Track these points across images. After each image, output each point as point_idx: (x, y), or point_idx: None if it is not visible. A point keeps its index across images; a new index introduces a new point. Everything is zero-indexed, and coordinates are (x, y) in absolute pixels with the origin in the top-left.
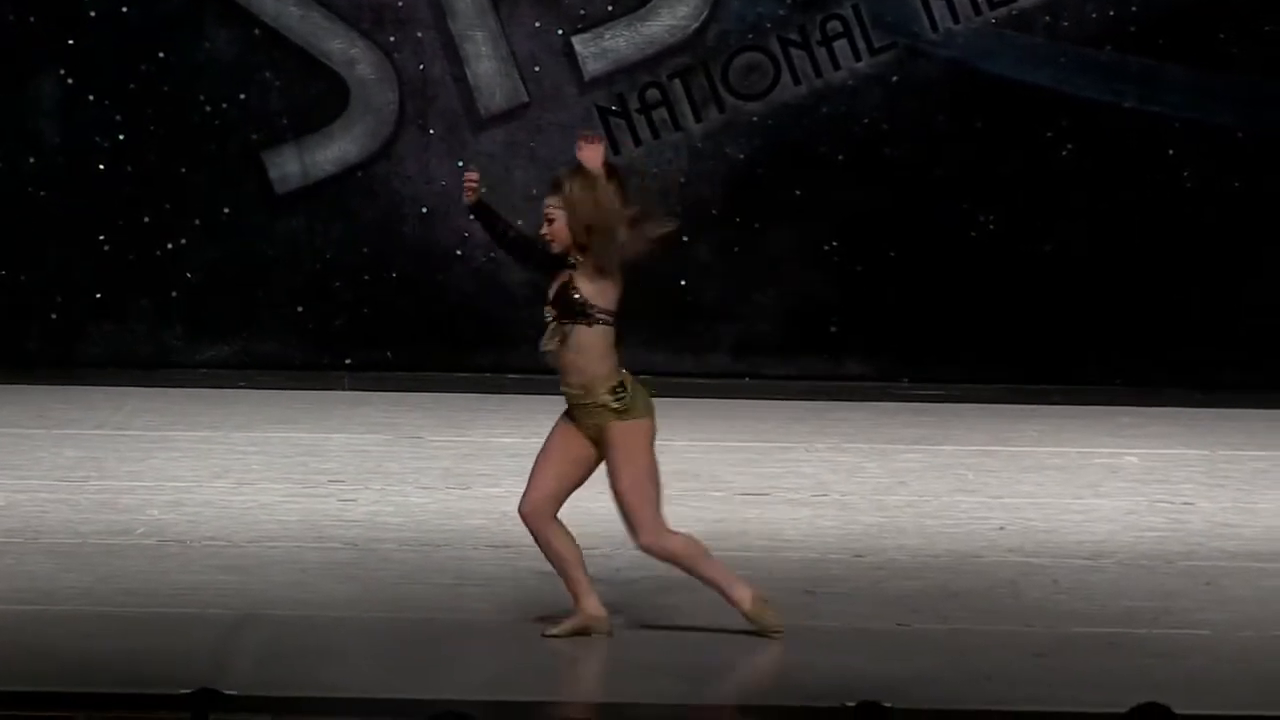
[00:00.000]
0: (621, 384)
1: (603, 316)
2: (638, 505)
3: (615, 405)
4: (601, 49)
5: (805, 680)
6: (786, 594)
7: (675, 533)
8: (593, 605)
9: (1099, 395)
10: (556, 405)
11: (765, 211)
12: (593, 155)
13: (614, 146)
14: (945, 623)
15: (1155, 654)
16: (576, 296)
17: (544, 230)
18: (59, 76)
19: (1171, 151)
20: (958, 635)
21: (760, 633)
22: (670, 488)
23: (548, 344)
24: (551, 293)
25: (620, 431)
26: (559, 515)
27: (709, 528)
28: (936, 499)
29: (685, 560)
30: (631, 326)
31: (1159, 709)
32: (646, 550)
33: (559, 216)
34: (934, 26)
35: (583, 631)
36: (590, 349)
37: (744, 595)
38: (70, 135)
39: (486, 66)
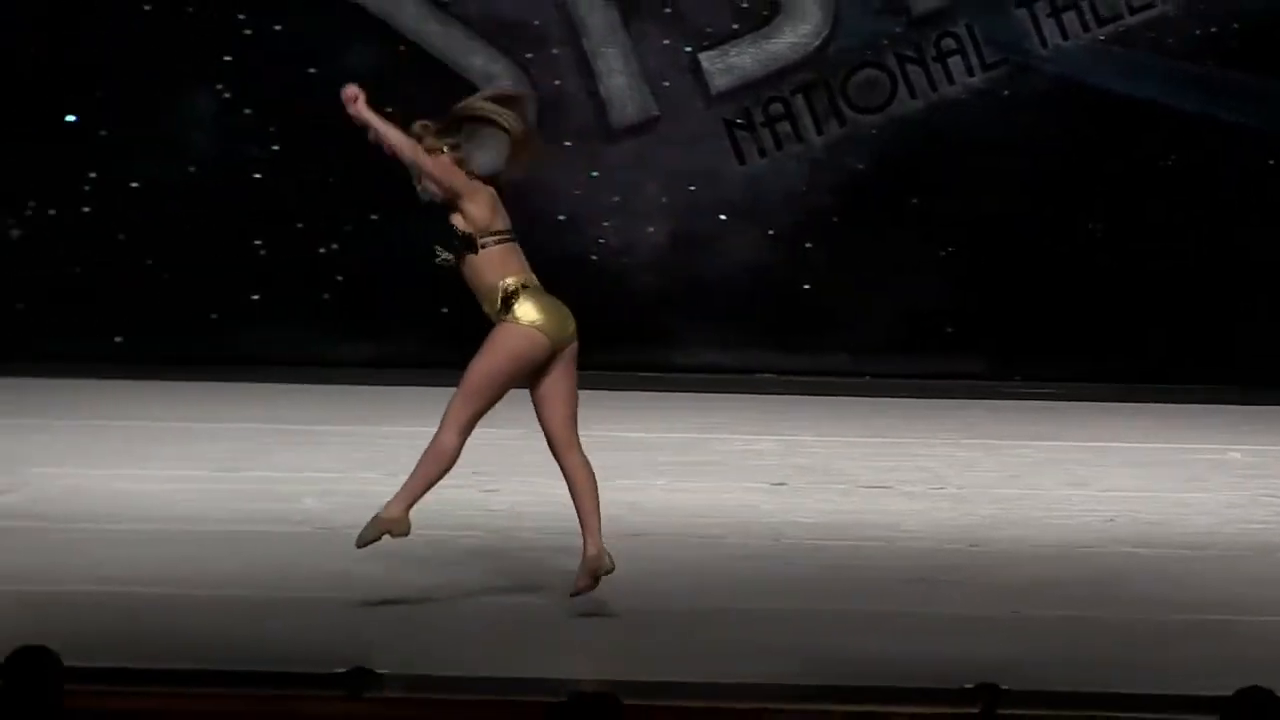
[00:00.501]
0: (509, 292)
1: (484, 240)
2: (457, 399)
3: (499, 310)
4: (727, 65)
5: (921, 663)
6: (904, 582)
7: (456, 439)
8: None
9: (1202, 394)
10: (680, 402)
11: (882, 219)
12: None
13: (739, 157)
14: (1057, 609)
15: (1258, 640)
16: (459, 232)
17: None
18: (215, 91)
19: (1272, 162)
20: (1069, 622)
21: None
22: (795, 480)
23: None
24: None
25: (494, 330)
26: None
27: (831, 519)
28: (1048, 492)
29: (428, 463)
30: (755, 326)
31: (1262, 693)
32: (444, 416)
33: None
34: (1043, 43)
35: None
36: (480, 268)
37: (399, 514)
38: (226, 146)
39: (618, 82)
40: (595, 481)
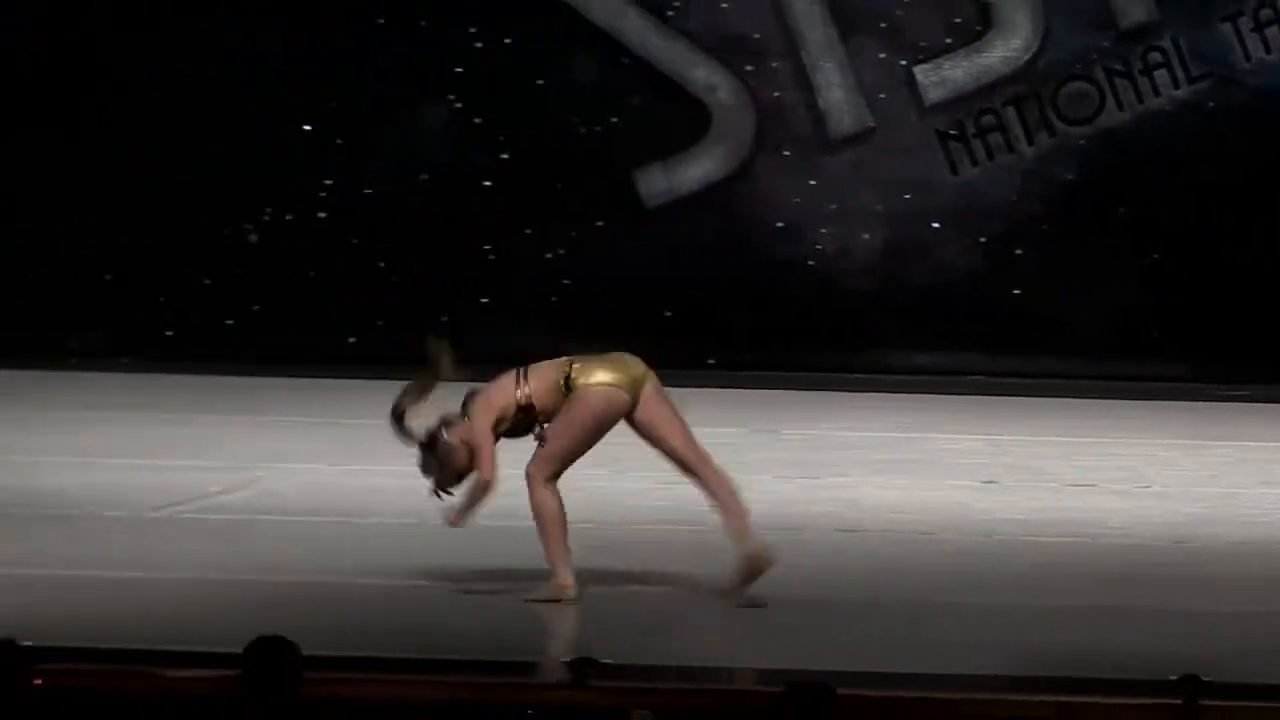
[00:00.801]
0: (568, 377)
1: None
2: (536, 463)
3: (569, 393)
4: (941, 78)
5: (1126, 655)
6: (1110, 578)
7: (549, 492)
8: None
9: None
10: (892, 402)
11: (1090, 227)
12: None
13: (952, 167)
14: (1259, 605)
15: None
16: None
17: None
18: (447, 101)
19: None
20: (1272, 616)
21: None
22: (1004, 479)
23: None
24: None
25: (570, 399)
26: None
27: (1040, 516)
28: (1247, 491)
29: (546, 529)
30: (965, 330)
31: None
32: (527, 476)
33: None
34: (1247, 57)
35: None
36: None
37: (566, 583)
38: (458, 154)
39: (836, 94)
40: (734, 483)
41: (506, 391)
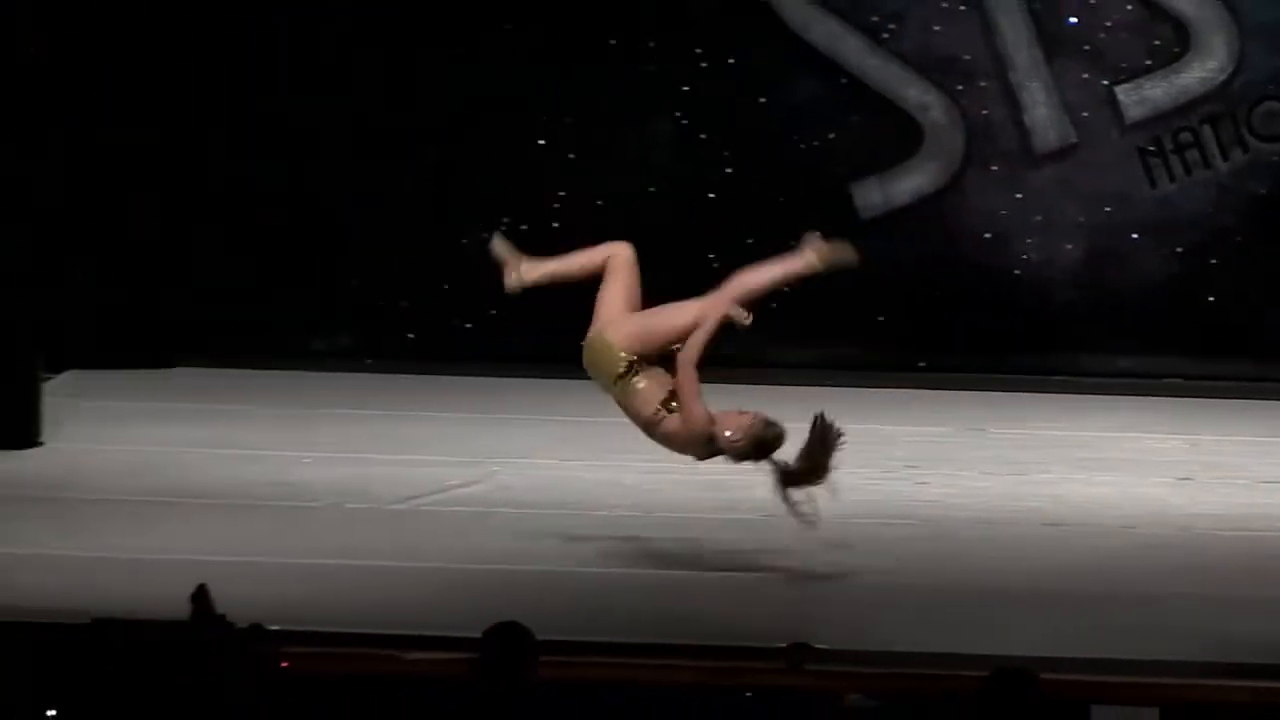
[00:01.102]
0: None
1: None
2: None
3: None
4: (1141, 97)
5: None
6: None
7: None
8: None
9: None
10: (1095, 403)
11: None
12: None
13: (1151, 181)
14: None
15: None
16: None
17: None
18: (675, 118)
19: None
20: None
21: None
22: (1200, 476)
23: None
24: None
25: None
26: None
27: (1235, 511)
28: None
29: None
30: (1163, 335)
31: None
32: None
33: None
34: None
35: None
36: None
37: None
38: (684, 168)
39: (1041, 112)
40: None
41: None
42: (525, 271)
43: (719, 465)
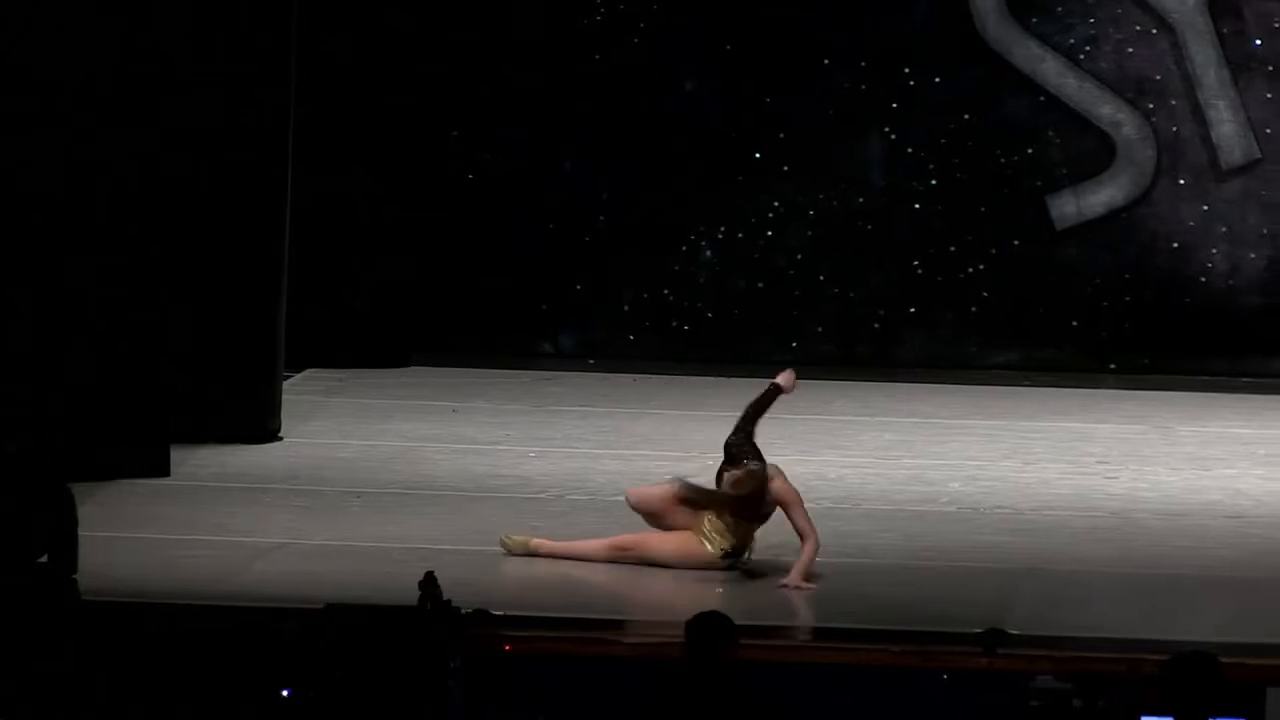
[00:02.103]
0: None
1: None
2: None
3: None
4: None
5: None
6: None
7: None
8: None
9: None
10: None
11: None
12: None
13: None
14: None
15: None
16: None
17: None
18: (884, 133)
19: None
20: None
21: None
22: None
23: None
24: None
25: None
26: None
27: None
28: None
29: None
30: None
31: None
32: None
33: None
34: None
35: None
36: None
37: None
38: (892, 180)
39: (1227, 129)
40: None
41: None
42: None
43: (924, 462)
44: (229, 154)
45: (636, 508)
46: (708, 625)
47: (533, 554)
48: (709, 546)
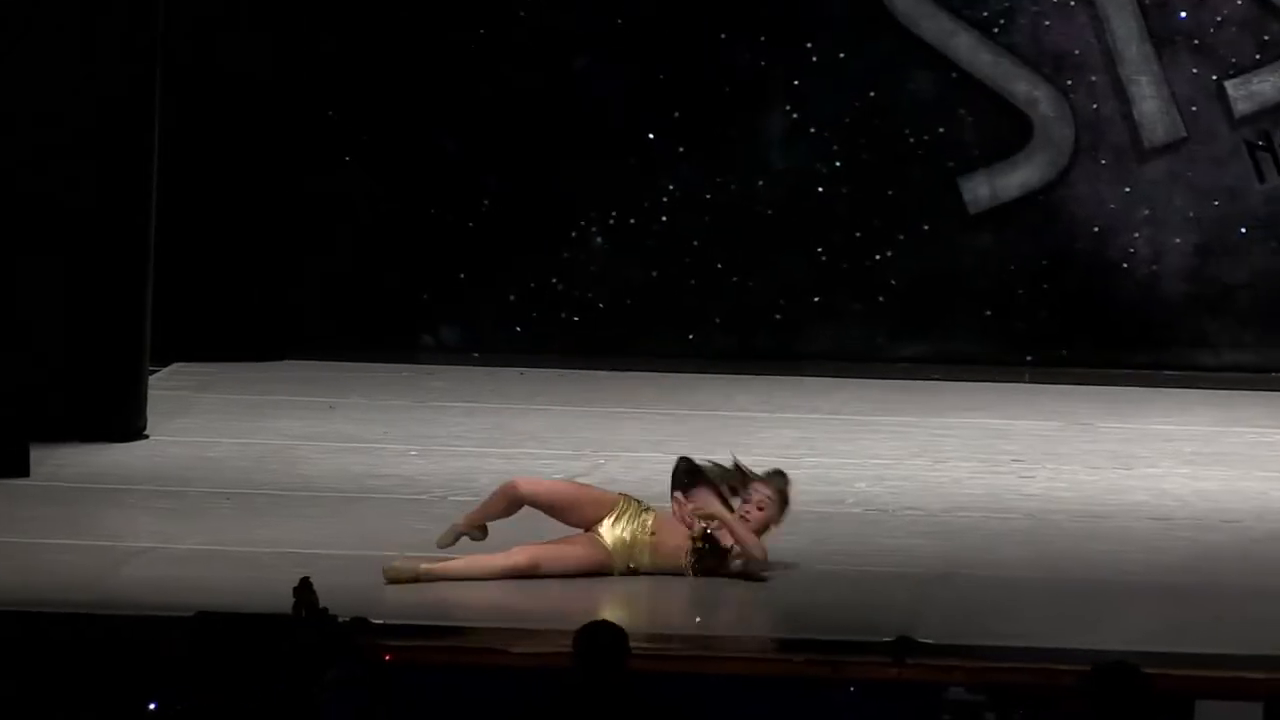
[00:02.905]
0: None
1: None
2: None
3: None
4: (1249, 92)
5: None
6: None
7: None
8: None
9: None
10: (1204, 398)
11: None
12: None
13: (1259, 176)
14: None
15: None
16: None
17: (745, 509)
18: (785, 111)
19: None
20: None
21: None
22: None
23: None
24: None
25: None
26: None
27: None
28: None
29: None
30: (1275, 328)
31: None
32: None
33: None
34: None
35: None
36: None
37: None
38: (794, 161)
39: (1150, 105)
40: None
41: None
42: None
43: (828, 461)
44: (94, 138)
45: (534, 501)
46: (597, 635)
47: (419, 580)
48: (610, 543)
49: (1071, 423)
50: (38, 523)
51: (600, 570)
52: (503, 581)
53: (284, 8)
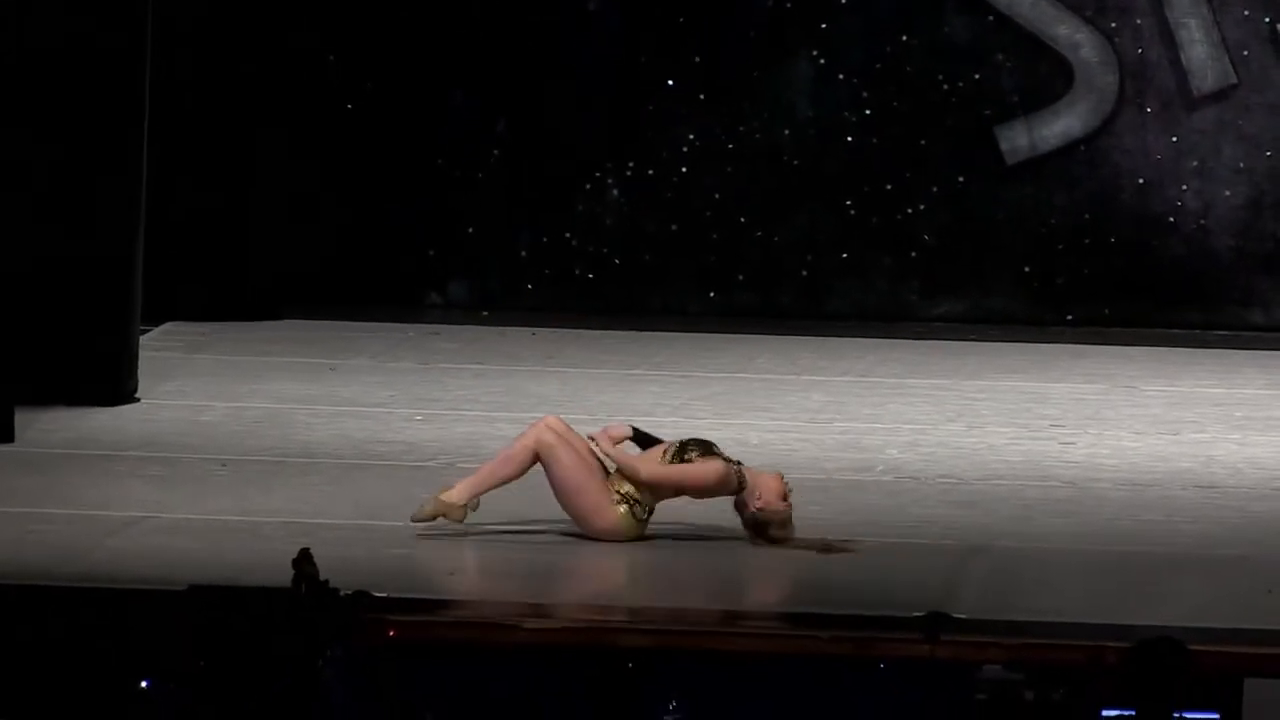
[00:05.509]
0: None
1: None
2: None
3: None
4: None
5: None
6: None
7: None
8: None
9: None
10: (1256, 359)
11: None
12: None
13: None
14: None
15: None
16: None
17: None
18: (812, 57)
19: None
20: None
21: None
22: None
23: None
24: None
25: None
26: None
27: None
28: None
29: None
30: None
31: None
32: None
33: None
34: None
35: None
36: None
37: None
38: (822, 110)
39: (1199, 51)
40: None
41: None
42: (451, 503)
43: (858, 426)
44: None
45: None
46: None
47: (448, 512)
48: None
49: (1114, 386)
50: (22, 492)
51: (599, 503)
52: (512, 557)
53: None
